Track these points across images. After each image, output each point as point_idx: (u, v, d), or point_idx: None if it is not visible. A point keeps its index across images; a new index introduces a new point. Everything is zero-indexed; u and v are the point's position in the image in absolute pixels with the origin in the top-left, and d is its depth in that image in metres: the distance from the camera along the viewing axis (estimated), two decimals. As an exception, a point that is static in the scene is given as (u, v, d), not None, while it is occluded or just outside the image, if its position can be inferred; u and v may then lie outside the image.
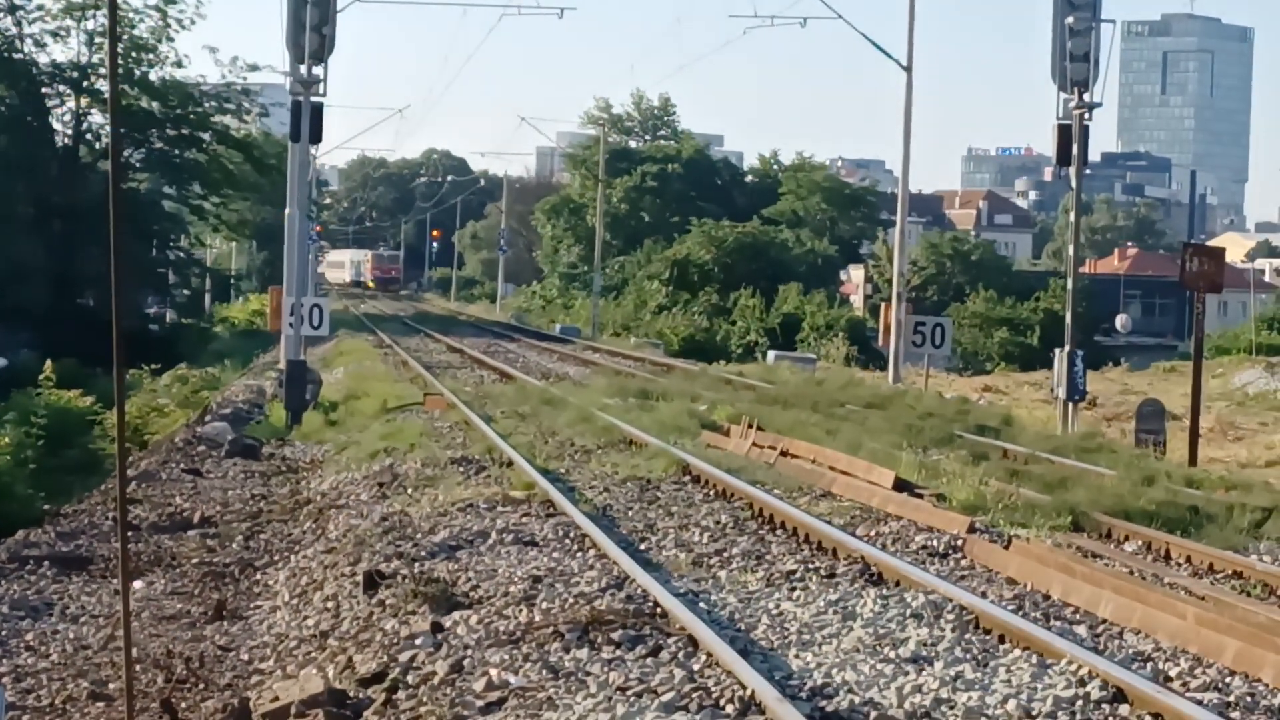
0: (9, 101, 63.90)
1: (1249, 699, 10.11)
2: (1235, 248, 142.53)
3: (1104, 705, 9.65)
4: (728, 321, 77.27)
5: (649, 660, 10.60)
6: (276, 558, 17.34)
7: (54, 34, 63.79)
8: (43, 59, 64.56)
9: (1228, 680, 10.52)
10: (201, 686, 12.11)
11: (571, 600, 12.39)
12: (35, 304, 57.93)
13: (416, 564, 14.36)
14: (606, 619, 11.52)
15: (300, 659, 12.47)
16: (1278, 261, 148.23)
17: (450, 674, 10.62)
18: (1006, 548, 14.74)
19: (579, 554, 14.56)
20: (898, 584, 13.05)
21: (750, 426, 23.82)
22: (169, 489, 22.39)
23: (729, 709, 9.48)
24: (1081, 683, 9.97)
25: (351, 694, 10.70)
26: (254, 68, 66.98)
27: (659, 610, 11.89)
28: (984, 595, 12.79)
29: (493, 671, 10.42)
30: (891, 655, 10.72)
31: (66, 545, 17.97)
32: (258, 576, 16.49)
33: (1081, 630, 11.84)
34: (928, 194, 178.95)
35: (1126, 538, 16.31)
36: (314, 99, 30.49)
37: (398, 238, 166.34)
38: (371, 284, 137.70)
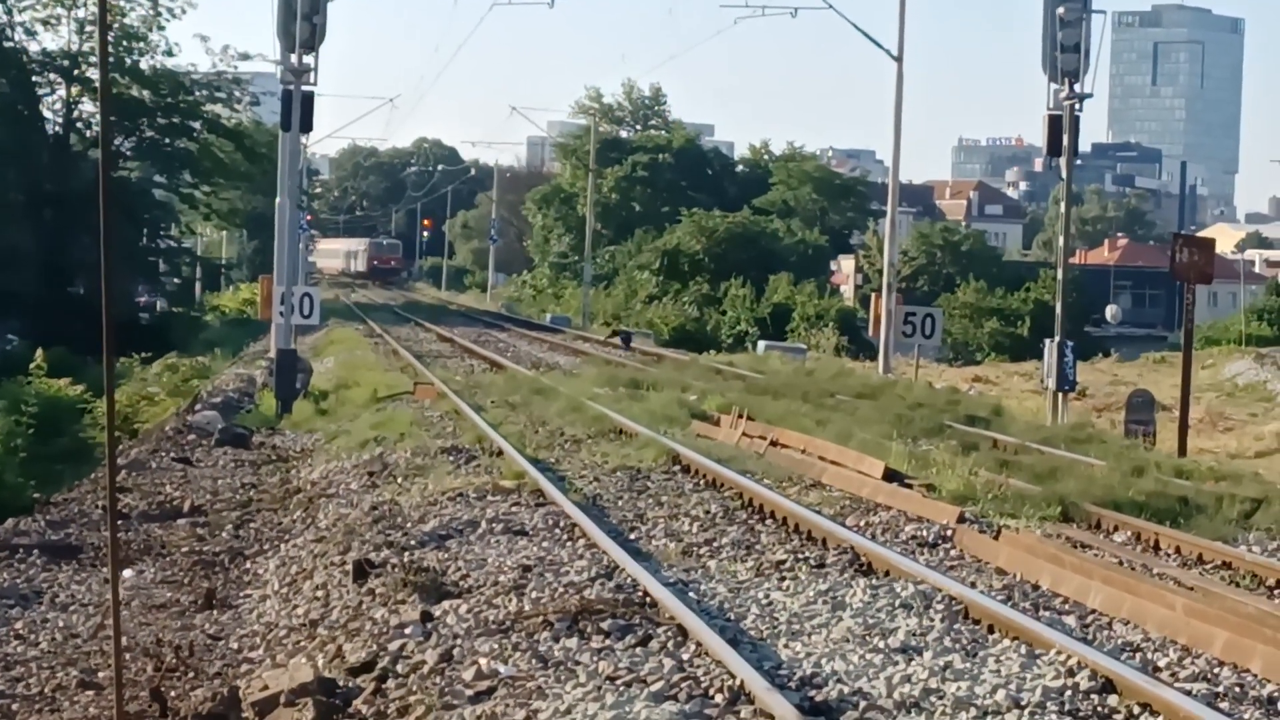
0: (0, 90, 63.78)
1: (1238, 689, 10.12)
2: (1225, 239, 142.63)
3: (1093, 695, 9.65)
4: (718, 311, 77.22)
5: (638, 650, 10.60)
6: (266, 547, 17.33)
7: (44, 22, 63.68)
8: (33, 47, 64.48)
9: (1216, 671, 10.53)
10: (191, 675, 12.09)
11: (561, 590, 12.39)
12: (26, 292, 57.83)
13: (406, 553, 14.37)
14: (596, 608, 11.51)
15: (290, 648, 12.46)
16: (1268, 253, 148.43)
17: (440, 663, 10.62)
18: (996, 538, 14.77)
19: (569, 543, 14.56)
20: (887, 574, 13.06)
21: (740, 416, 23.83)
22: (159, 478, 22.38)
23: (718, 699, 9.47)
24: (1070, 673, 9.97)
25: (341, 683, 10.69)
26: (245, 56, 67.03)
27: (649, 600, 11.89)
28: (973, 585, 12.80)
29: (482, 661, 10.43)
30: (881, 645, 10.72)
31: (56, 534, 17.96)
32: (247, 565, 16.48)
33: (1071, 620, 11.86)
34: (918, 184, 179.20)
35: (1116, 528, 16.33)
36: (304, 88, 30.49)
37: (389, 227, 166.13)
38: (368, 273, 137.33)
